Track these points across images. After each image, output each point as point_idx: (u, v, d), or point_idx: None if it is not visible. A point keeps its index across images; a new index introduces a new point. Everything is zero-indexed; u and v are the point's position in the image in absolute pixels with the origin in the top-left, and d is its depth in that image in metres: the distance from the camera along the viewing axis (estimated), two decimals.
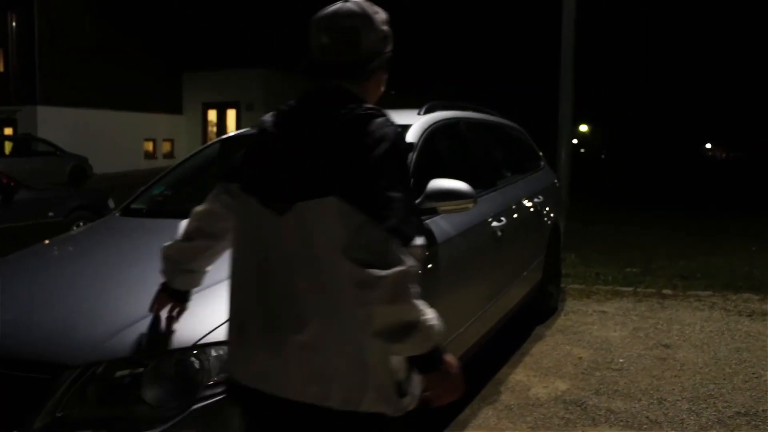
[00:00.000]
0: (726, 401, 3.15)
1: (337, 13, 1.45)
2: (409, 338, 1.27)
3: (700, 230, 9.14)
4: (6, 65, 20.18)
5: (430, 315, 1.29)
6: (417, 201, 2.79)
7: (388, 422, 1.39)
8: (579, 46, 7.39)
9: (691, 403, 3.14)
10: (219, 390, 1.84)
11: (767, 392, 3.25)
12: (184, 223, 1.71)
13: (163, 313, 1.82)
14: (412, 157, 3.00)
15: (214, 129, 23.77)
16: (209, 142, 3.87)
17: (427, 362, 1.33)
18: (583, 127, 52.88)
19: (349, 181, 1.30)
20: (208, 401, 1.84)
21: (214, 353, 1.89)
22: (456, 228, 3.08)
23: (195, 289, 1.82)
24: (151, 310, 1.82)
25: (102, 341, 1.92)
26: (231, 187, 1.53)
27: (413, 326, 1.27)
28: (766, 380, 3.41)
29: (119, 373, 1.89)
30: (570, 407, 3.17)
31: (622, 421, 2.99)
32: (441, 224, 2.97)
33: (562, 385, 3.43)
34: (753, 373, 3.49)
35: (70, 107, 19.81)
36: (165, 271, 1.73)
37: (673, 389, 3.32)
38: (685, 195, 15.74)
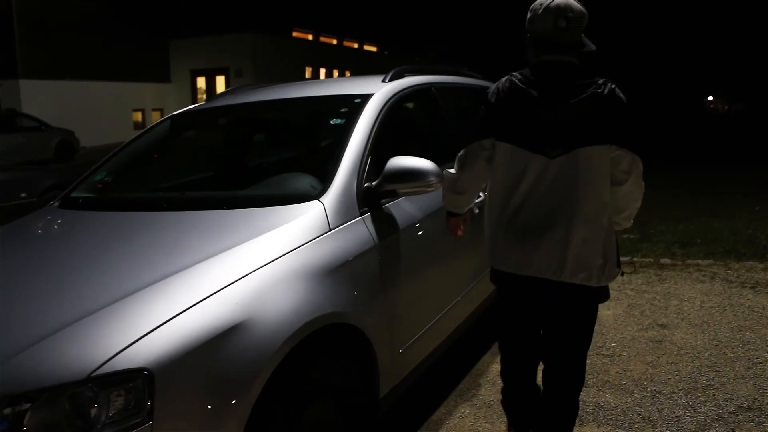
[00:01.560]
0: (727, 393, 2.85)
1: (570, 5, 1.98)
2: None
3: (701, 188, 8.75)
4: None
5: None
6: (374, 183, 2.46)
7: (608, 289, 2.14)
8: None
9: (689, 396, 2.84)
10: (118, 429, 1.55)
11: None
12: (453, 176, 2.27)
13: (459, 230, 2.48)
14: (371, 132, 2.65)
15: (204, 96, 23.19)
16: (157, 121, 3.51)
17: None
18: None
19: (625, 134, 1.95)
20: None
21: (112, 385, 1.58)
22: (422, 210, 2.75)
23: (94, 309, 1.71)
24: (451, 231, 2.48)
25: None
26: (485, 143, 2.10)
27: None
28: None
29: (4, 412, 1.59)
30: None
31: (611, 419, 2.70)
32: (404, 207, 2.64)
33: None
34: (756, 358, 3.19)
35: (55, 80, 19.26)
36: (448, 205, 2.42)
37: (669, 379, 3.02)
38: (686, 150, 15.28)
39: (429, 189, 2.43)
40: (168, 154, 3.50)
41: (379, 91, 2.92)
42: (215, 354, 1.71)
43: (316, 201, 2.30)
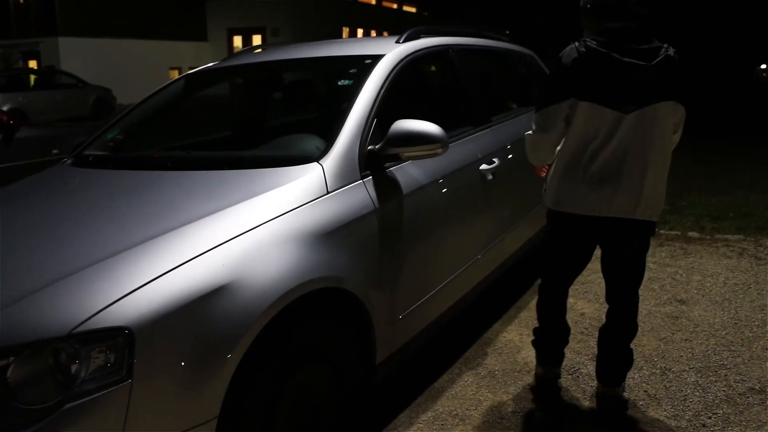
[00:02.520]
0: (740, 373, 2.75)
1: None
2: None
3: (743, 160, 8.36)
4: None
5: None
6: (377, 147, 2.39)
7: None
8: None
9: (699, 375, 2.75)
10: (98, 385, 1.56)
11: None
12: (534, 137, 2.46)
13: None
14: (378, 94, 2.57)
15: None
16: (170, 80, 3.49)
17: None
18: None
19: (684, 91, 2.29)
20: (85, 398, 1.55)
21: (92, 342, 1.59)
22: (429, 175, 2.67)
23: (81, 267, 1.73)
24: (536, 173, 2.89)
25: None
26: (563, 105, 2.31)
27: None
28: None
29: None
30: (561, 376, 2.83)
31: None
32: (410, 171, 2.57)
33: None
34: None
35: (92, 37, 19.46)
36: (533, 162, 2.66)
37: (681, 356, 2.93)
38: (733, 120, 14.66)
39: (435, 152, 2.36)
40: (181, 112, 3.49)
41: (391, 52, 2.83)
42: (199, 315, 1.70)
43: (315, 163, 2.25)
